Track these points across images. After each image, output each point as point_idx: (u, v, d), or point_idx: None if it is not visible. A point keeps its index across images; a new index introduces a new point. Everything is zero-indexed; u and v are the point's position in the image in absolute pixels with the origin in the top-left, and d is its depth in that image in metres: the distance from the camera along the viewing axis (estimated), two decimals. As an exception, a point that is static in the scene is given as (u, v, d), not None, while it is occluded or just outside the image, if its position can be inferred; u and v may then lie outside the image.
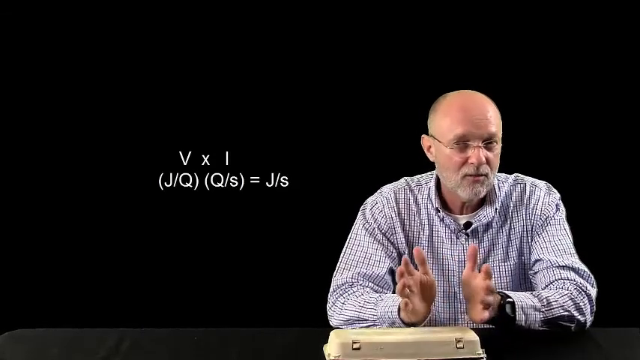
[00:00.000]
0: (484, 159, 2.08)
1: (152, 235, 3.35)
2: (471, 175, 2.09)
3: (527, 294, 2.01)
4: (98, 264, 3.35)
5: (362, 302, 2.08)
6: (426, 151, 2.21)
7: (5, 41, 3.29)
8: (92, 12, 3.28)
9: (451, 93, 2.17)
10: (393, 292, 2.18)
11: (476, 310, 1.89)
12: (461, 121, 2.09)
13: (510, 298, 1.95)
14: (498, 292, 1.96)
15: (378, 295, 2.10)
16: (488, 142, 2.09)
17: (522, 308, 1.94)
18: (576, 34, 3.26)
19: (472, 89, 2.20)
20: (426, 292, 1.92)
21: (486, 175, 2.10)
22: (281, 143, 3.35)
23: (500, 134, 2.12)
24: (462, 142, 2.09)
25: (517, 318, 1.94)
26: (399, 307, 1.96)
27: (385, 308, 2.00)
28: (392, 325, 1.99)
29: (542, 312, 1.97)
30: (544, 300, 1.98)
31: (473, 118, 2.08)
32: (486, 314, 1.87)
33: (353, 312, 2.09)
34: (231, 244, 3.36)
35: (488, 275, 1.87)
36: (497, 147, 2.11)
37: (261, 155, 3.36)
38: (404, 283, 1.86)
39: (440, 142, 2.13)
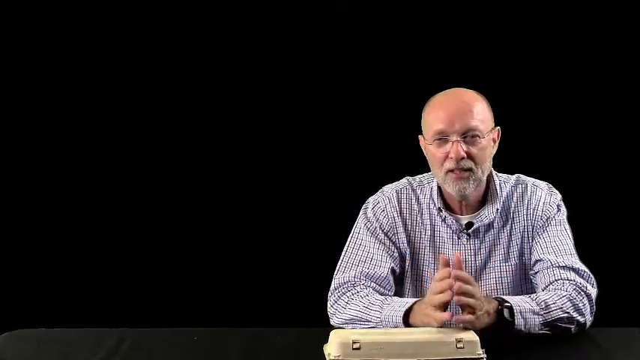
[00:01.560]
0: (462, 153, 2.08)
1: (152, 235, 3.35)
2: (452, 171, 2.11)
3: (525, 297, 2.00)
4: (98, 264, 3.35)
5: (367, 303, 2.07)
6: (423, 149, 2.22)
7: (5, 41, 3.29)
8: (92, 11, 3.28)
9: (440, 92, 2.20)
10: (395, 294, 2.19)
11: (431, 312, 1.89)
12: (439, 117, 2.12)
13: (508, 302, 1.94)
14: (496, 298, 1.96)
15: (383, 297, 2.09)
16: (469, 136, 2.10)
17: (521, 312, 1.93)
18: (576, 34, 3.26)
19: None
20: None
21: (470, 170, 2.11)
22: (281, 143, 3.35)
23: (485, 128, 2.12)
24: (441, 138, 2.11)
25: (516, 323, 1.93)
26: (404, 312, 1.95)
27: (390, 312, 1.99)
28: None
29: (541, 315, 1.96)
30: (542, 303, 1.98)
31: (450, 113, 2.11)
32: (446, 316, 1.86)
33: (356, 312, 2.08)
34: (231, 244, 3.36)
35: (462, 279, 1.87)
36: (483, 141, 2.11)
37: (261, 155, 3.36)
38: (450, 284, 1.86)
39: (425, 139, 2.17)
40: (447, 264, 1.90)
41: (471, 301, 1.86)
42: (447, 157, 2.11)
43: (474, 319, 1.85)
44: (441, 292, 1.87)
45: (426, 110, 2.18)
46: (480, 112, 2.12)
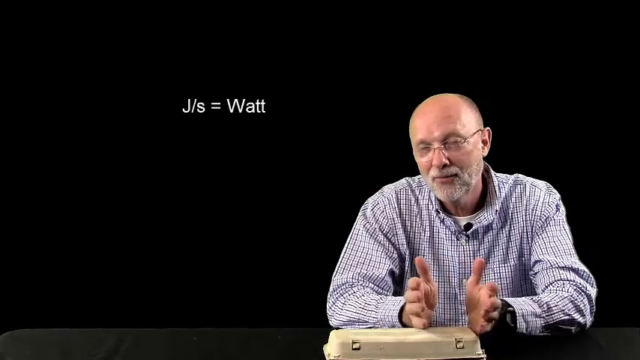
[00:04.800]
0: (444, 160, 2.09)
1: (152, 235, 3.35)
2: (438, 178, 2.11)
3: (527, 300, 1.99)
4: (98, 264, 3.35)
5: (362, 304, 2.07)
6: None
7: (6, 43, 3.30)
8: (92, 13, 3.29)
9: (423, 101, 2.20)
10: (394, 294, 2.19)
11: (478, 322, 1.86)
12: (419, 126, 2.13)
13: (511, 306, 1.93)
14: None
15: (379, 297, 2.09)
16: (450, 142, 2.09)
17: (523, 316, 1.93)
18: (576, 34, 3.26)
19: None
20: (430, 299, 1.90)
21: (456, 175, 2.11)
22: (281, 143, 3.35)
23: (467, 131, 2.11)
24: (424, 147, 2.12)
25: (518, 326, 1.92)
26: (399, 310, 1.95)
27: (385, 312, 2.00)
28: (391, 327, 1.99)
29: (543, 317, 1.95)
30: (544, 305, 1.97)
31: (429, 121, 2.11)
32: (489, 327, 1.85)
33: (353, 312, 2.08)
34: (231, 245, 3.36)
35: (494, 291, 1.84)
36: (466, 145, 2.11)
37: (262, 156, 3.36)
38: (417, 296, 1.84)
39: (412, 148, 2.18)
40: (424, 269, 1.87)
41: (495, 314, 1.85)
42: (431, 164, 2.11)
43: (489, 328, 1.84)
44: (413, 302, 1.85)
45: (410, 120, 2.19)
46: (461, 116, 2.11)
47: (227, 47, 3.32)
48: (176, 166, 3.36)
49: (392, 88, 3.28)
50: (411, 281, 1.87)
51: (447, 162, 2.09)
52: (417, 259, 1.92)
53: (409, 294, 1.87)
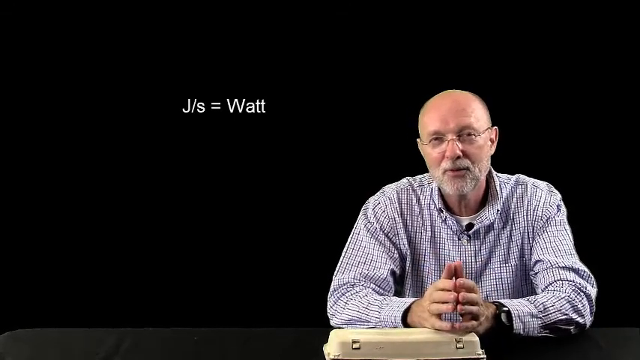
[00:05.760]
0: (458, 152, 2.09)
1: (152, 235, 3.35)
2: (450, 170, 2.11)
3: (524, 301, 1.99)
4: (98, 264, 3.35)
5: (365, 304, 2.07)
6: (421, 152, 2.23)
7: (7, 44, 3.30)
8: (93, 14, 3.29)
9: (435, 95, 2.21)
10: (395, 294, 2.19)
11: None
12: (434, 118, 2.13)
13: (506, 307, 1.93)
14: (493, 302, 1.95)
15: (382, 297, 2.09)
16: (464, 135, 2.10)
17: (519, 317, 1.93)
18: (576, 34, 3.26)
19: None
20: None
21: (467, 169, 2.11)
22: (281, 142, 3.35)
23: (480, 126, 2.12)
24: (437, 138, 2.12)
25: (515, 327, 1.92)
26: (403, 312, 1.95)
27: (389, 312, 1.99)
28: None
29: (540, 318, 1.95)
30: (540, 306, 1.97)
31: (444, 113, 2.12)
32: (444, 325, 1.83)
33: (355, 312, 2.07)
34: (232, 244, 3.36)
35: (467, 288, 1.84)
36: (479, 139, 2.12)
37: (262, 155, 3.36)
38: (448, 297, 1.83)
39: (422, 141, 2.18)
40: (451, 273, 1.87)
41: (474, 309, 1.83)
42: (443, 156, 2.11)
43: (476, 325, 1.84)
44: (442, 302, 1.84)
45: (422, 113, 2.19)
46: (475, 111, 2.13)
47: (227, 47, 3.32)
48: (176, 166, 3.36)
49: (392, 88, 3.28)
50: (440, 282, 1.86)
51: (461, 154, 2.09)
52: (448, 264, 1.89)
53: (438, 294, 1.84)
